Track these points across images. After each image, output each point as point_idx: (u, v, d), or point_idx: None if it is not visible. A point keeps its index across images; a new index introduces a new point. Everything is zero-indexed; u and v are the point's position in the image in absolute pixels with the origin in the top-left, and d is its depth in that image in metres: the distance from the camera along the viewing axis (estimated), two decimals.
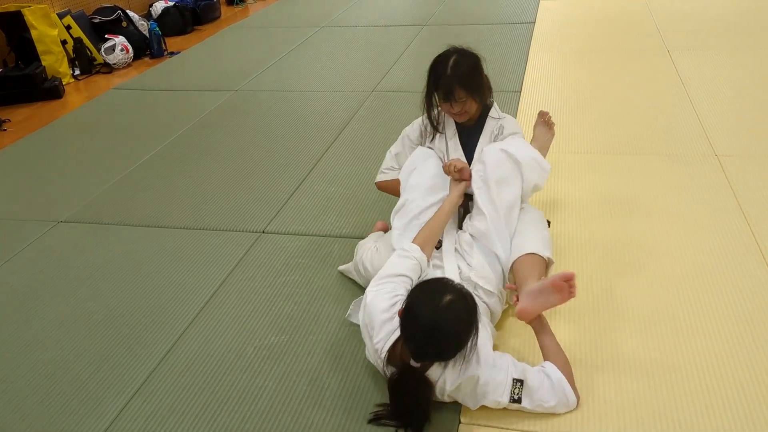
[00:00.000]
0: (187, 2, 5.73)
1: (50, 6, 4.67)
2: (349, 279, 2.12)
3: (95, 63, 4.72)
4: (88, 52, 4.66)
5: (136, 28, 5.00)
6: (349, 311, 1.93)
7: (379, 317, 1.58)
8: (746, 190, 2.46)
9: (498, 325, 1.84)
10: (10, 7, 4.27)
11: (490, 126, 2.09)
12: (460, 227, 1.97)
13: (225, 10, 6.34)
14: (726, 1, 5.05)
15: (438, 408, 1.58)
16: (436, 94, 2.01)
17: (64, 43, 4.52)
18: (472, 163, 2.02)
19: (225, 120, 3.58)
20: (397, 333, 1.53)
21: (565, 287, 1.57)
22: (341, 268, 2.15)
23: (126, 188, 2.89)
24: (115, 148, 3.35)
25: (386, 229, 2.21)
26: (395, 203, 1.99)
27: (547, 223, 1.97)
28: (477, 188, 1.88)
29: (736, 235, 2.19)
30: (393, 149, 2.21)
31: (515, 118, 3.24)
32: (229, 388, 1.73)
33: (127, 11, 5.11)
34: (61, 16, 4.60)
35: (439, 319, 1.43)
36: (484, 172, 1.88)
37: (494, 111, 2.11)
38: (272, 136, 3.32)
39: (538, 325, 1.67)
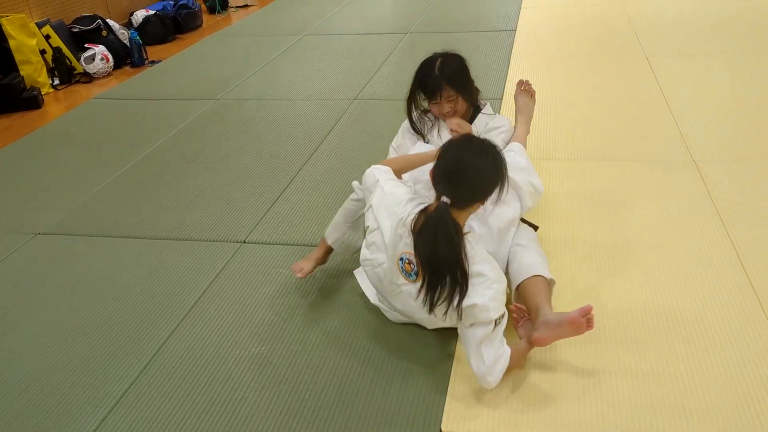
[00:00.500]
0: (168, 11, 5.72)
1: (29, 15, 4.63)
2: (330, 288, 2.12)
3: (75, 72, 4.69)
4: (68, 61, 4.63)
5: (116, 37, 4.98)
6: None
7: (404, 197, 1.70)
8: (723, 195, 2.49)
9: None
10: None
11: (481, 122, 2.14)
12: None
13: (207, 19, 6.33)
14: (703, 8, 5.12)
15: (418, 414, 1.57)
16: (422, 95, 2.05)
17: (43, 52, 4.49)
18: None
19: (206, 129, 3.57)
20: (422, 206, 1.64)
21: (583, 323, 1.61)
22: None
23: (105, 199, 2.87)
24: (95, 158, 3.32)
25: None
26: None
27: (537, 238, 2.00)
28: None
29: (713, 241, 2.22)
30: (394, 143, 2.25)
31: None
32: (209, 400, 1.71)
33: (108, 20, 5.08)
34: (39, 25, 4.57)
35: (472, 157, 1.59)
36: None
37: (487, 108, 2.18)
38: (254, 145, 3.31)
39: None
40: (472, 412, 1.60)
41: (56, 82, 4.59)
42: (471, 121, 2.16)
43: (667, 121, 3.18)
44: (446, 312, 1.58)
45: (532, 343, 1.69)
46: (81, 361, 1.89)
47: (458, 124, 2.03)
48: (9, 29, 4.18)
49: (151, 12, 5.55)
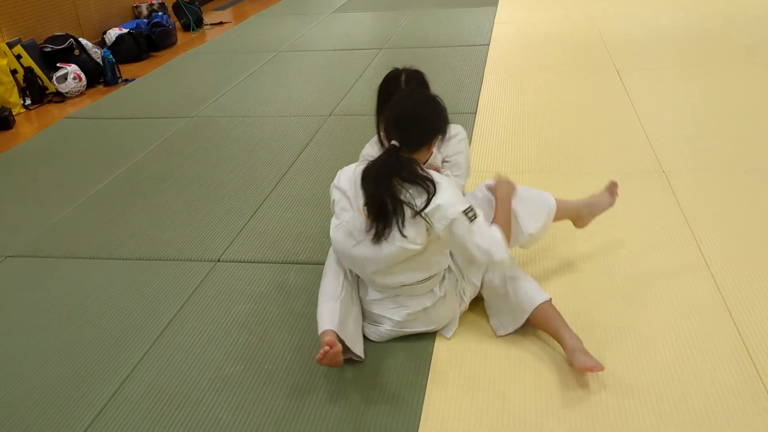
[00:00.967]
0: (141, 29, 5.69)
1: None
2: (305, 305, 2.11)
3: (47, 92, 4.64)
4: (40, 81, 4.58)
5: (89, 56, 4.94)
6: None
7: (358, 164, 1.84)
8: (693, 205, 2.53)
9: None
10: None
11: None
12: None
13: (181, 36, 6.32)
14: (672, 23, 5.23)
15: (395, 414, 1.57)
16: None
17: (14, 72, 4.44)
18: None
19: (181, 147, 3.55)
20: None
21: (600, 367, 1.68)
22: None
23: (77, 220, 2.84)
24: (67, 178, 3.29)
25: None
26: None
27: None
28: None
29: (683, 251, 2.25)
30: (363, 151, 2.26)
31: (471, 140, 3.30)
32: (183, 423, 1.69)
33: (80, 39, 5.05)
34: (10, 45, 4.52)
35: (415, 105, 1.79)
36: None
37: None
38: (229, 162, 3.30)
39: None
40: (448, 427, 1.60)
41: (28, 102, 4.53)
42: None
43: (637, 133, 3.23)
44: (403, 227, 1.68)
45: (577, 370, 1.73)
46: (50, 388, 1.86)
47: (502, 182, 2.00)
48: None
49: (125, 30, 5.52)
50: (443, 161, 2.19)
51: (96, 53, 5.02)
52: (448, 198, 1.68)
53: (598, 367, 1.67)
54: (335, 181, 1.88)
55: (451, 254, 1.90)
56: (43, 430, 1.71)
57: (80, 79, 4.71)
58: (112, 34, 5.47)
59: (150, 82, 4.89)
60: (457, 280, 1.91)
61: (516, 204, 1.95)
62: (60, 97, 4.65)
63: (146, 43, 5.63)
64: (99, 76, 4.94)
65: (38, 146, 3.80)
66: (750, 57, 4.26)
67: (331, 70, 4.76)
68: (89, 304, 2.23)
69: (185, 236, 2.62)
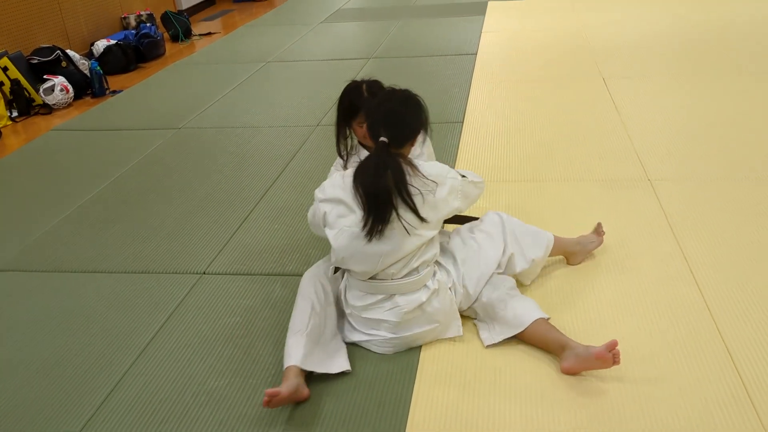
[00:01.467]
0: (129, 40, 5.69)
1: None
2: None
3: (34, 104, 4.62)
4: (27, 93, 4.57)
5: (76, 67, 4.93)
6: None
7: (340, 172, 1.98)
8: (678, 213, 2.54)
9: None
10: None
11: None
12: None
13: (170, 47, 6.31)
14: (658, 31, 5.27)
15: (382, 419, 1.56)
16: (350, 119, 2.11)
17: (0, 85, 4.42)
18: None
19: (167, 158, 3.54)
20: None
21: (610, 358, 1.69)
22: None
23: (63, 233, 2.82)
24: (53, 191, 3.27)
25: None
26: None
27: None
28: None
29: (668, 260, 2.26)
30: (335, 164, 2.28)
31: (458, 148, 3.31)
32: None
33: (68, 51, 5.03)
34: None
35: (399, 104, 1.91)
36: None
37: None
38: (216, 174, 3.29)
39: None
40: None
41: (15, 114, 4.51)
42: None
43: (623, 141, 3.25)
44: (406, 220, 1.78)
45: (562, 371, 1.76)
46: (34, 404, 1.84)
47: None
48: None
49: (113, 42, 5.51)
50: None
51: (83, 65, 5.01)
52: (446, 175, 1.89)
53: (571, 369, 1.74)
54: (321, 196, 1.91)
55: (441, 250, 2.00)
56: None
57: (67, 91, 4.70)
58: (100, 45, 5.46)
59: (137, 93, 4.88)
60: (447, 273, 1.96)
61: (517, 235, 2.06)
62: (47, 109, 4.63)
63: (134, 54, 5.63)
64: (86, 88, 4.92)
65: (25, 158, 3.78)
66: (736, 65, 4.30)
67: (319, 80, 4.76)
68: (74, 318, 2.21)
69: (171, 249, 2.61)
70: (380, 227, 1.77)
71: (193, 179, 3.25)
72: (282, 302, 2.17)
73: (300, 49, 5.70)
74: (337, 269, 2.01)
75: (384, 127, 1.85)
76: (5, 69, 4.52)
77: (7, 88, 4.49)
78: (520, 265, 2.04)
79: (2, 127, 4.28)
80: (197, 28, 7.00)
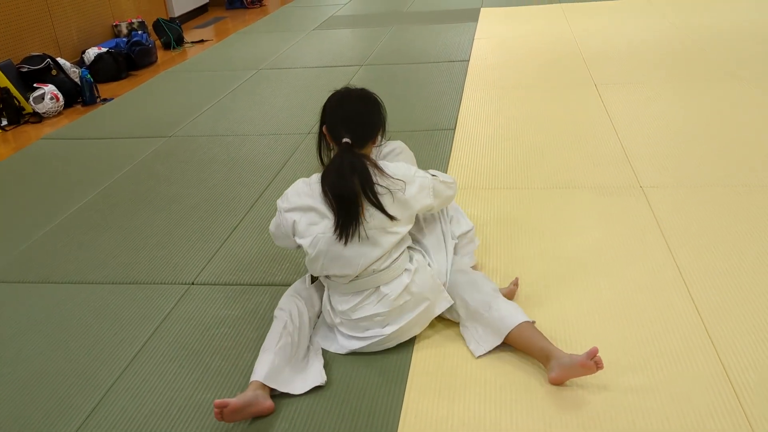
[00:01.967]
0: (121, 48, 5.67)
1: None
2: None
3: (24, 113, 4.59)
4: (16, 102, 4.54)
5: (67, 75, 4.90)
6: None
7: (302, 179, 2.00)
8: (670, 221, 2.53)
9: None
10: None
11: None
12: None
13: (162, 55, 6.29)
14: (650, 38, 5.28)
15: (372, 425, 1.54)
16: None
17: None
18: None
19: (157, 167, 3.51)
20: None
21: (593, 365, 1.67)
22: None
23: (49, 244, 2.79)
24: (40, 201, 3.24)
25: None
26: None
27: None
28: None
29: (660, 268, 2.24)
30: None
31: (449, 155, 3.30)
32: None
33: (58, 59, 5.01)
34: None
35: (358, 103, 1.94)
36: None
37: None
38: (206, 183, 3.27)
39: None
40: None
41: (4, 123, 4.49)
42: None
43: (615, 148, 3.24)
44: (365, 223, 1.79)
45: (549, 382, 1.74)
46: (16, 420, 1.80)
47: None
48: None
49: (104, 49, 5.49)
50: None
51: (74, 73, 4.99)
52: (420, 182, 1.89)
53: (557, 379, 1.72)
54: (285, 206, 1.92)
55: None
56: None
57: (57, 99, 4.67)
58: (91, 53, 5.44)
59: (128, 101, 4.86)
60: (421, 254, 1.98)
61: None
62: (37, 118, 4.60)
63: (125, 62, 5.60)
64: (77, 96, 4.90)
65: (14, 168, 3.75)
66: (729, 72, 4.30)
67: (311, 87, 4.75)
68: (60, 331, 2.18)
69: (159, 259, 2.58)
70: (352, 229, 1.78)
71: (182, 188, 3.22)
72: (270, 313, 2.13)
73: (292, 56, 5.69)
74: (313, 279, 2.00)
75: (344, 127, 1.87)
76: None
77: None
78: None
79: None
80: (189, 36, 6.99)
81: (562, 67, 4.66)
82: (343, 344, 1.93)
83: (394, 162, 1.99)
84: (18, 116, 4.54)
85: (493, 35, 5.80)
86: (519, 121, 3.72)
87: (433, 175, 1.96)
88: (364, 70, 5.04)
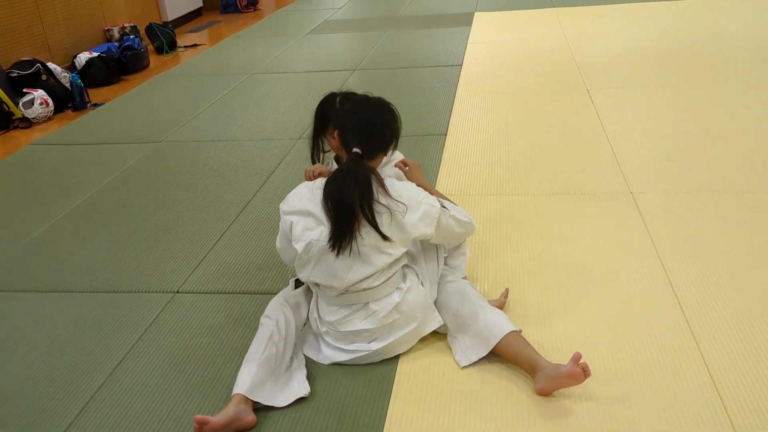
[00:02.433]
0: (112, 52, 5.64)
1: None
2: None
3: (13, 118, 4.56)
4: (5, 107, 4.50)
5: (57, 80, 4.87)
6: None
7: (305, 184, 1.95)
8: (660, 227, 2.51)
9: None
10: None
11: None
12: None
13: (154, 59, 6.27)
14: (642, 44, 5.27)
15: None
16: (326, 131, 2.10)
17: None
18: None
19: (147, 173, 3.49)
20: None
21: (580, 373, 1.64)
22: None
23: (35, 251, 2.76)
24: (27, 207, 3.21)
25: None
26: None
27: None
28: None
29: (649, 275, 2.22)
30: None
31: (440, 161, 3.28)
32: None
33: (48, 64, 4.98)
34: None
35: (373, 114, 1.89)
36: None
37: None
38: (195, 188, 3.24)
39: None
40: None
41: None
42: None
43: (606, 154, 3.22)
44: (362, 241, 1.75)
45: (536, 393, 1.72)
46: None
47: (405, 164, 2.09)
48: None
49: (95, 54, 5.46)
50: None
51: (65, 77, 4.96)
52: (420, 200, 1.82)
53: (545, 390, 1.69)
54: (286, 208, 1.88)
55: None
56: None
57: (47, 105, 4.64)
58: (82, 57, 5.41)
59: (119, 106, 4.83)
60: (415, 273, 1.94)
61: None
62: (27, 123, 4.57)
63: (117, 66, 5.57)
64: (67, 101, 4.87)
65: (2, 173, 3.71)
66: (719, 77, 4.29)
67: (303, 91, 4.73)
68: (43, 340, 2.15)
69: (145, 266, 2.55)
70: (345, 241, 1.74)
71: (171, 194, 3.19)
72: (256, 321, 2.10)
73: (285, 61, 5.67)
74: (298, 284, 1.97)
75: (356, 137, 1.83)
76: None
77: None
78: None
79: None
80: (183, 40, 6.96)
81: (555, 73, 4.65)
82: (327, 355, 1.91)
83: (402, 181, 1.93)
84: (7, 121, 4.51)
85: (486, 40, 5.78)
86: (511, 126, 3.70)
87: (443, 207, 1.86)
88: (357, 75, 5.03)
